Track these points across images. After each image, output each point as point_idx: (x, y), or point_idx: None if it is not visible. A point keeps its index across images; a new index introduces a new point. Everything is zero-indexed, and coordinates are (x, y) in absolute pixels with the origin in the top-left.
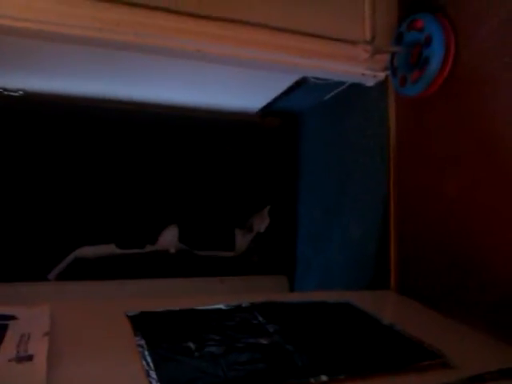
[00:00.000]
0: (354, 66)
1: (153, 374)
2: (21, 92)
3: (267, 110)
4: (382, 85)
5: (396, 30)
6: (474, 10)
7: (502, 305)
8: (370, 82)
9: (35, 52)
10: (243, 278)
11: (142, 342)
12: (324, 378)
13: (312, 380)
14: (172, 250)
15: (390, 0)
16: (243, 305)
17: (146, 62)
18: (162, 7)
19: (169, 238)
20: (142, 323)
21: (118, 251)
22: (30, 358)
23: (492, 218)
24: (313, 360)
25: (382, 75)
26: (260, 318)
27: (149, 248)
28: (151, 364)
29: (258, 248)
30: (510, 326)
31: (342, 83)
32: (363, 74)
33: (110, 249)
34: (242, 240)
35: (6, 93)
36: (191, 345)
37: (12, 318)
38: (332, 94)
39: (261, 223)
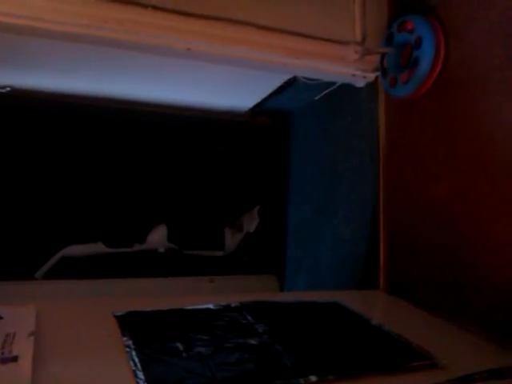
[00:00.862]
0: (344, 67)
1: (140, 374)
2: (8, 88)
3: (258, 109)
4: (372, 85)
5: (386, 30)
6: (464, 11)
7: (491, 305)
8: (360, 83)
9: (23, 48)
10: (233, 277)
11: (130, 343)
12: (313, 378)
13: (301, 381)
14: (161, 250)
15: (381, 1)
16: (232, 305)
17: (137, 60)
18: (151, 4)
19: (158, 237)
20: (130, 323)
21: (107, 250)
22: (14, 358)
23: (481, 218)
24: (302, 360)
25: (372, 76)
26: (249, 318)
27: (137, 247)
28: (139, 364)
29: (247, 247)
30: (499, 327)
31: (332, 83)
32: (353, 75)
33: (98, 247)
34: (231, 239)
35: None
36: (179, 345)
37: None
38: (322, 94)
39: (250, 223)
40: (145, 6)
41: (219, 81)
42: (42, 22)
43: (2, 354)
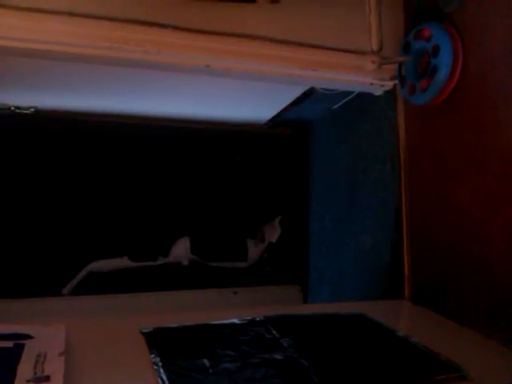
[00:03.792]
0: (362, 77)
1: None
2: (32, 109)
3: (277, 120)
4: (390, 93)
5: (403, 39)
6: (480, 18)
7: None
8: (379, 91)
9: (46, 70)
10: (256, 288)
11: (157, 360)
12: None
13: None
14: (184, 262)
15: (397, 9)
16: (257, 319)
17: (156, 77)
18: (170, 24)
19: (181, 250)
20: (157, 340)
21: (131, 264)
22: (47, 378)
23: (506, 224)
24: (328, 375)
25: (390, 84)
26: (274, 332)
27: (161, 260)
28: (167, 382)
29: (270, 258)
30: None
31: (350, 92)
32: (371, 84)
33: (124, 262)
34: (254, 250)
35: (18, 111)
36: (206, 361)
37: (28, 337)
38: (341, 103)
39: (272, 233)
40: (164, 27)
41: (237, 94)
42: (64, 46)
43: (35, 373)
